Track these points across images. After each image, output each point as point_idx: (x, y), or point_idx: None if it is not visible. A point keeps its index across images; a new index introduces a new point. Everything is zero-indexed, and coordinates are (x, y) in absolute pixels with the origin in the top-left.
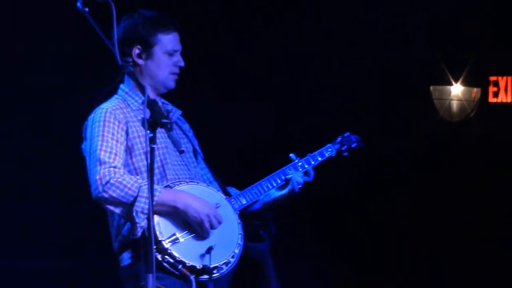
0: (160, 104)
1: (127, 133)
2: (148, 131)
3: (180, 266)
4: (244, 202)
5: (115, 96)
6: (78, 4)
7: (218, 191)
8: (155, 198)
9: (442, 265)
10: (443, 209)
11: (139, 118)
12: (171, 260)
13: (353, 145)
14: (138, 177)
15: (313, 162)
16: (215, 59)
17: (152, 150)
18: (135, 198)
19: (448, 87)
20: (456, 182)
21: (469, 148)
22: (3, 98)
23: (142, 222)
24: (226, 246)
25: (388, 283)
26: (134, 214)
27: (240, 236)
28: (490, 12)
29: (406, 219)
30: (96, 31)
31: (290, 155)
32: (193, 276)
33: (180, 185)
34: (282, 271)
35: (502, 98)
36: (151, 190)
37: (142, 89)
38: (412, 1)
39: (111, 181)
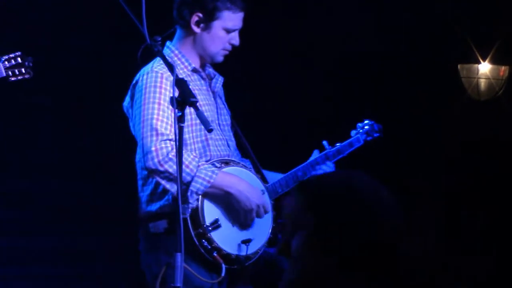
0: (205, 72)
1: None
2: (177, 110)
3: (215, 253)
4: (279, 191)
5: (157, 59)
6: None
7: (256, 174)
8: (211, 180)
9: None
10: None
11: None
12: (208, 246)
13: (375, 135)
14: (194, 154)
15: (342, 154)
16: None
17: (181, 129)
18: (192, 178)
19: (476, 65)
20: None
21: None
22: None
23: (194, 203)
24: (260, 237)
25: None
26: (188, 193)
27: (271, 227)
28: None
29: None
30: (125, 10)
31: (323, 142)
32: (224, 264)
33: (226, 167)
34: None
35: None
36: (180, 168)
37: (171, 68)
38: None
39: (170, 155)
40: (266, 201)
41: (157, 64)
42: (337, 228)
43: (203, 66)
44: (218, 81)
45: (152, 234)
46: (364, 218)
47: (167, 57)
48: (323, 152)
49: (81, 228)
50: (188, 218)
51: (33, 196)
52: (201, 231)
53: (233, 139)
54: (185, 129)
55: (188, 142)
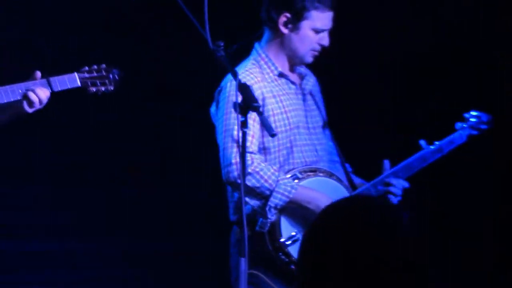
0: (296, 72)
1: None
2: (240, 115)
3: (292, 266)
4: None
5: (250, 59)
6: None
7: (344, 182)
8: (290, 196)
9: None
10: None
11: (275, 94)
12: (285, 259)
13: (483, 127)
14: (275, 167)
15: (442, 152)
16: None
17: (244, 134)
18: (271, 192)
19: None
20: None
21: None
22: None
23: (273, 217)
24: None
25: None
26: (267, 208)
27: None
28: None
29: None
30: (187, 15)
31: (420, 142)
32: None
33: (307, 178)
34: None
35: None
36: (243, 175)
37: (234, 73)
38: None
39: (249, 170)
40: None
41: (243, 69)
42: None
43: (292, 68)
44: (310, 81)
45: (237, 240)
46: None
47: (253, 61)
48: (420, 153)
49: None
50: (266, 233)
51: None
52: (277, 245)
53: (324, 141)
54: (270, 137)
55: (272, 150)
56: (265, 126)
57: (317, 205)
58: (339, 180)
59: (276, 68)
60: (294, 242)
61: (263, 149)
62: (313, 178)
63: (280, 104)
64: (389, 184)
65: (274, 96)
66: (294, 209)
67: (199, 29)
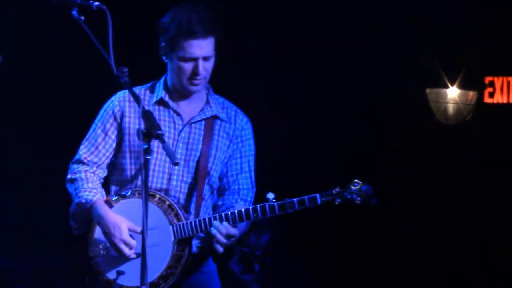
0: (203, 98)
1: (120, 127)
2: (143, 142)
3: (100, 277)
4: (186, 233)
5: (149, 84)
6: (74, 12)
7: (169, 213)
8: (84, 208)
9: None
10: None
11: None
12: (96, 269)
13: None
14: (89, 184)
15: (285, 210)
16: None
17: (146, 161)
18: (73, 199)
19: (444, 89)
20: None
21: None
22: None
23: (75, 225)
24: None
25: None
26: (69, 214)
27: (165, 265)
28: (482, 11)
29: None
30: (92, 40)
31: (268, 195)
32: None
33: (124, 198)
34: None
35: (497, 99)
36: (145, 200)
37: (137, 100)
38: (405, 4)
39: (68, 175)
40: (132, 241)
41: (125, 91)
42: None
43: (184, 96)
44: (206, 113)
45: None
46: None
47: (150, 87)
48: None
49: None
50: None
51: None
52: (89, 253)
53: (190, 175)
54: (122, 153)
55: (121, 167)
56: (168, 154)
57: (103, 225)
58: (161, 208)
59: (160, 94)
60: (100, 254)
61: (117, 165)
62: (126, 199)
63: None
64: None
65: (139, 118)
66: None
67: (104, 55)
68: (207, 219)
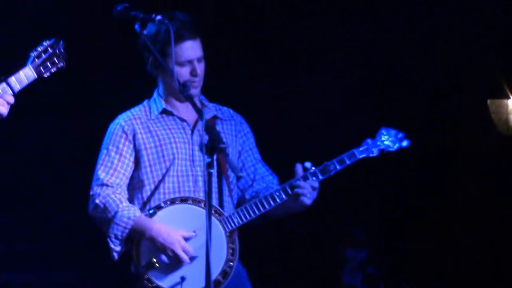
0: (198, 103)
1: (134, 146)
2: (206, 156)
3: None
4: (236, 223)
5: (144, 102)
6: (136, 27)
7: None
8: (128, 227)
9: None
10: None
11: (152, 128)
12: (149, 285)
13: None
14: (123, 204)
15: (328, 173)
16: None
17: (210, 175)
18: (111, 222)
19: (506, 100)
20: None
21: None
22: None
23: (117, 247)
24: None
25: None
26: (108, 238)
27: (224, 260)
28: None
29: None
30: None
31: (305, 164)
32: None
33: (166, 207)
34: None
35: None
36: (209, 212)
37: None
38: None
39: (96, 201)
40: (190, 247)
41: (127, 111)
42: None
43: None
44: (209, 113)
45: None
46: None
47: (147, 104)
48: (300, 175)
49: None
50: (120, 261)
51: None
52: (138, 273)
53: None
54: (143, 170)
55: (146, 183)
56: (231, 167)
57: (151, 236)
58: (202, 209)
59: (161, 106)
60: (152, 268)
61: (139, 183)
62: (169, 206)
63: (156, 138)
64: (296, 187)
65: (150, 131)
66: (140, 238)
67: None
68: (252, 203)
